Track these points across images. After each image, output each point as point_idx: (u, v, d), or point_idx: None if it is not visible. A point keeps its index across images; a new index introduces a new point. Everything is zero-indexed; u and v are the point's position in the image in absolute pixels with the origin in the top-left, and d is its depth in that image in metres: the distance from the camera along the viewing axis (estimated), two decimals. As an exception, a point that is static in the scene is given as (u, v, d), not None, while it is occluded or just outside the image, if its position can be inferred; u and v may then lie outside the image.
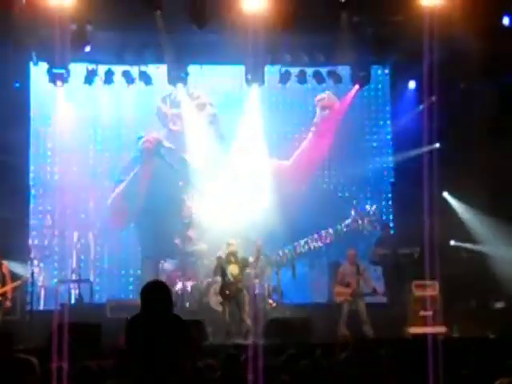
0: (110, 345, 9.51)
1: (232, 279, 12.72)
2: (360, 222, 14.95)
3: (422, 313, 12.88)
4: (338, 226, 15.10)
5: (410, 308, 13.15)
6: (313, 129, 15.99)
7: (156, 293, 6.02)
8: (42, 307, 14.11)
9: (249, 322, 12.49)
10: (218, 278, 13.00)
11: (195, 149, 15.66)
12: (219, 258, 13.27)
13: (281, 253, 14.67)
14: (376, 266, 14.62)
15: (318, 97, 15.86)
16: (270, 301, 13.70)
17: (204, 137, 15.65)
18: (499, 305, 13.54)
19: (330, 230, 15.08)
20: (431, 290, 13.04)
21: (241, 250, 13.24)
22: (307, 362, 6.67)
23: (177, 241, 15.10)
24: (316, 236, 15.09)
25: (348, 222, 14.97)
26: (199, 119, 15.82)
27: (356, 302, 13.04)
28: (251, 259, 13.07)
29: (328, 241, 15.04)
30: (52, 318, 10.76)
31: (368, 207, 15.22)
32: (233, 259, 12.94)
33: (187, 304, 13.90)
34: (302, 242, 15.04)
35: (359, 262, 13.43)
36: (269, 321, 11.95)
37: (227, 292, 12.66)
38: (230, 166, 15.39)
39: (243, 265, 12.92)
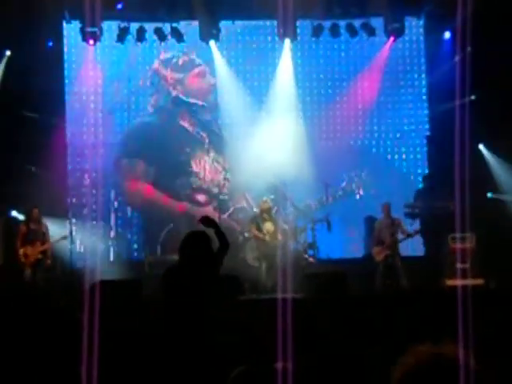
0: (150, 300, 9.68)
1: (268, 236, 12.80)
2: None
3: (458, 265, 12.86)
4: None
5: (446, 260, 13.14)
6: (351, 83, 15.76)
7: (191, 242, 6.14)
8: (80, 265, 14.33)
9: (274, 278, 12.61)
10: (254, 233, 13.09)
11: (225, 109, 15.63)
12: (254, 214, 13.36)
13: (313, 205, 14.57)
14: (413, 220, 14.58)
15: None
16: (306, 256, 13.75)
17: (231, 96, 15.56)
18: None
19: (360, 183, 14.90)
20: (468, 242, 13.01)
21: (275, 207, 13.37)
22: (342, 315, 6.74)
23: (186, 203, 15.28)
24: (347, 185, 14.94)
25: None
26: (199, 87, 15.73)
27: (393, 255, 13.04)
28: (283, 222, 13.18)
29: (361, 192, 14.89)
30: (91, 276, 11.01)
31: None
32: (267, 216, 13.01)
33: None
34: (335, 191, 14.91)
35: (393, 216, 13.38)
36: (304, 276, 12.02)
37: (263, 249, 12.77)
38: (261, 124, 15.28)
39: (278, 222, 13.00)
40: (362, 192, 14.73)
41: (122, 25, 14.78)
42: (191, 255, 6.17)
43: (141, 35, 14.85)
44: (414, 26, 15.86)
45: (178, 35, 14.91)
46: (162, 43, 15.10)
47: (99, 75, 15.22)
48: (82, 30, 14.50)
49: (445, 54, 15.27)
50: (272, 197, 13.65)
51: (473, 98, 13.51)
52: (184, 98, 15.70)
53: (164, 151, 15.18)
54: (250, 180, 14.49)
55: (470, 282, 12.03)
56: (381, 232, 13.23)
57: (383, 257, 13.04)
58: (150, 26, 14.89)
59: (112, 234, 14.52)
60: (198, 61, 15.77)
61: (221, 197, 15.02)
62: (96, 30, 14.41)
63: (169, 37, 14.93)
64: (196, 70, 15.78)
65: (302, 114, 15.55)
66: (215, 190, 15.40)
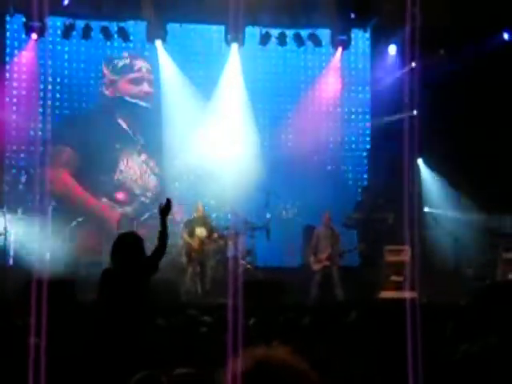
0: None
1: (198, 242, 12.77)
2: None
3: (393, 277, 13.01)
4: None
5: (381, 272, 13.28)
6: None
7: (124, 245, 6.07)
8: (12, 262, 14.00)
9: (208, 285, 12.61)
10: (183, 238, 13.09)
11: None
12: (188, 220, 13.34)
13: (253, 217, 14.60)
14: (350, 230, 14.71)
15: None
16: (243, 262, 13.75)
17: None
18: (470, 271, 13.69)
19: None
20: (403, 255, 13.16)
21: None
22: (277, 323, 6.73)
23: (104, 200, 15.17)
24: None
25: None
26: (131, 92, 15.65)
27: (331, 266, 13.10)
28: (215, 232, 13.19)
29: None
30: (24, 274, 10.77)
31: None
32: (200, 222, 12.99)
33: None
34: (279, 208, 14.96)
35: (334, 226, 13.46)
36: (241, 283, 12.00)
37: (193, 254, 12.74)
38: (204, 128, 15.25)
39: (211, 228, 12.99)
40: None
41: (68, 21, 14.58)
42: (124, 259, 6.09)
43: (86, 33, 14.68)
44: (361, 39, 16.05)
45: (124, 35, 14.79)
46: (108, 42, 14.94)
47: (38, 69, 14.94)
48: (26, 24, 14.24)
49: (389, 68, 15.49)
50: (212, 202, 13.60)
51: (414, 113, 13.77)
52: (127, 98, 15.57)
53: (95, 144, 14.92)
54: (183, 187, 14.48)
55: (404, 294, 12.16)
56: (319, 241, 13.27)
57: (321, 267, 13.08)
58: (96, 25, 14.73)
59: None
60: (138, 67, 15.64)
61: (142, 199, 14.96)
62: (40, 24, 14.18)
63: (115, 36, 14.79)
64: (131, 76, 15.67)
65: (247, 120, 15.52)
66: (137, 192, 15.31)
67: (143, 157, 15.57)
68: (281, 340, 5.88)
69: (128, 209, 15.25)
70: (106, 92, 15.62)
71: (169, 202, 6.56)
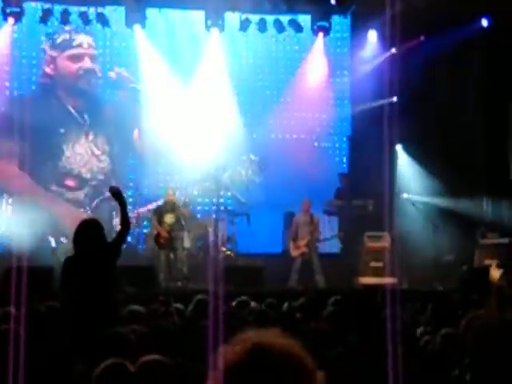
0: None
1: (168, 228, 12.73)
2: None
3: (372, 264, 13.07)
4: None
5: (361, 259, 13.34)
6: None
7: (85, 232, 6.05)
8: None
9: (185, 270, 12.60)
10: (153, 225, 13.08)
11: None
12: (157, 206, 13.30)
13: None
14: (331, 217, 14.74)
15: None
16: (224, 249, 13.74)
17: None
18: (449, 257, 13.77)
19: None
20: (383, 241, 13.23)
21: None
22: (257, 310, 6.74)
23: (53, 188, 14.97)
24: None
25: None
26: (72, 70, 15.26)
27: (310, 252, 13.13)
28: (186, 211, 13.13)
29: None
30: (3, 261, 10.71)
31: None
32: (169, 208, 12.92)
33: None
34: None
35: (313, 213, 13.47)
36: (221, 269, 12.01)
37: (161, 241, 12.69)
38: (186, 114, 15.15)
39: (182, 214, 12.95)
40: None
41: (45, 6, 14.42)
42: (86, 245, 6.07)
43: (65, 18, 14.51)
44: (340, 25, 16.01)
45: (103, 20, 14.66)
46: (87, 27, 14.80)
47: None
48: (3, 10, 14.09)
49: (369, 54, 15.49)
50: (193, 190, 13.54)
51: (394, 99, 13.80)
52: (62, 78, 15.20)
53: (38, 130, 14.11)
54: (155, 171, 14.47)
55: (383, 281, 12.23)
56: (298, 228, 13.31)
57: (299, 253, 13.12)
58: (74, 9, 14.59)
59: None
60: (79, 42, 15.22)
61: (93, 183, 14.86)
62: (18, 9, 14.03)
63: (94, 21, 14.66)
64: (71, 52, 15.25)
65: (229, 105, 15.43)
66: (87, 176, 15.10)
67: (90, 137, 15.16)
68: (259, 327, 5.89)
69: (80, 194, 14.97)
70: (47, 70, 15.15)
71: (115, 187, 6.56)
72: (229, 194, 14.42)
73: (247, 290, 9.72)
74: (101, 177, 15.04)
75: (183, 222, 12.90)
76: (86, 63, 15.23)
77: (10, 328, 4.73)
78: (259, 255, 14.21)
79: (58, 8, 14.50)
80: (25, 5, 14.24)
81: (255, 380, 1.77)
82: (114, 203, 13.89)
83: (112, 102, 15.43)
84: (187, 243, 13.05)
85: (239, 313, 6.46)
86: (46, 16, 14.46)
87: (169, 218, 12.76)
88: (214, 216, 14.00)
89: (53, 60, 15.17)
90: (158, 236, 12.69)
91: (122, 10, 14.75)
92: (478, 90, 14.87)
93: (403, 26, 12.16)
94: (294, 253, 13.18)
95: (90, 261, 6.01)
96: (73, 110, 15.14)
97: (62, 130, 15.01)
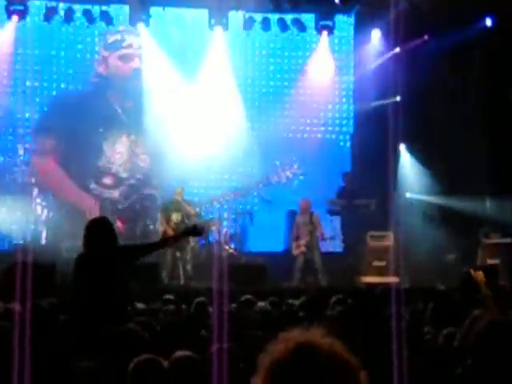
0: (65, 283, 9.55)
1: (174, 226, 12.75)
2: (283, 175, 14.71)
3: (375, 263, 13.08)
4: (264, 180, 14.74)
5: (364, 258, 13.35)
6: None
7: (97, 230, 6.06)
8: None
9: (189, 268, 12.62)
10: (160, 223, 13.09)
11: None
12: (163, 204, 13.33)
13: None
14: (333, 216, 14.75)
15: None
16: (227, 247, 13.77)
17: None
18: (451, 257, 13.79)
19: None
20: (386, 240, 13.24)
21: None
22: (261, 307, 6.77)
23: (92, 186, 15.07)
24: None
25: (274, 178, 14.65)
26: (123, 70, 15.44)
27: (311, 251, 13.15)
28: (192, 211, 13.13)
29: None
30: (4, 258, 10.74)
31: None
32: (176, 207, 12.94)
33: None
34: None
35: (313, 212, 13.44)
36: (225, 267, 12.03)
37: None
38: (190, 110, 15.18)
39: (187, 213, 12.95)
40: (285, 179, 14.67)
41: (50, 4, 14.45)
42: (94, 243, 6.09)
43: (69, 16, 14.54)
44: (344, 24, 16.00)
45: (107, 18, 14.69)
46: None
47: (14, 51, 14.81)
48: (8, 8, 14.12)
49: (373, 53, 15.49)
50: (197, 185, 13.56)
51: (398, 98, 13.82)
52: (113, 78, 15.38)
53: (81, 128, 14.63)
54: (171, 168, 14.45)
55: (385, 280, 12.24)
56: (299, 228, 13.35)
57: (299, 252, 13.16)
58: (79, 8, 14.62)
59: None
60: (129, 42, 15.44)
61: (131, 181, 14.90)
62: (22, 8, 14.06)
63: (98, 19, 14.70)
64: (122, 52, 15.45)
65: (233, 104, 15.44)
66: (124, 175, 15.18)
67: (132, 137, 15.33)
68: (263, 325, 5.92)
69: (115, 192, 15.02)
70: (100, 69, 15.32)
71: (201, 231, 6.59)
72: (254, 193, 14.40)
73: (250, 288, 9.76)
74: (139, 176, 15.06)
75: (187, 221, 12.89)
76: (136, 63, 15.40)
77: (13, 324, 4.76)
78: (262, 254, 14.24)
79: (62, 6, 14.53)
80: (29, 3, 14.25)
81: (301, 379, 1.79)
82: (147, 204, 14.01)
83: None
84: (192, 242, 13.06)
85: (243, 311, 6.49)
86: (49, 14, 14.49)
87: (175, 217, 12.79)
88: (217, 214, 14.04)
89: (104, 60, 15.35)
90: (164, 234, 12.70)
91: (125, 8, 14.78)
92: (481, 89, 14.87)
93: (407, 25, 12.24)
94: (295, 252, 13.22)
95: (99, 259, 6.02)
96: (119, 110, 15.23)
97: (101, 130, 15.09)
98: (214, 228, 13.85)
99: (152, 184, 14.98)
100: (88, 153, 15.05)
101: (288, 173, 14.36)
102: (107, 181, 15.14)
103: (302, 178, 14.65)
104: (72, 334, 5.42)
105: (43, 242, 13.76)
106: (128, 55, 15.45)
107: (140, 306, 6.91)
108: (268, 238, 15.03)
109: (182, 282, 12.46)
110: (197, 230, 6.48)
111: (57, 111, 14.94)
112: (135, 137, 15.36)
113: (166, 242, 6.63)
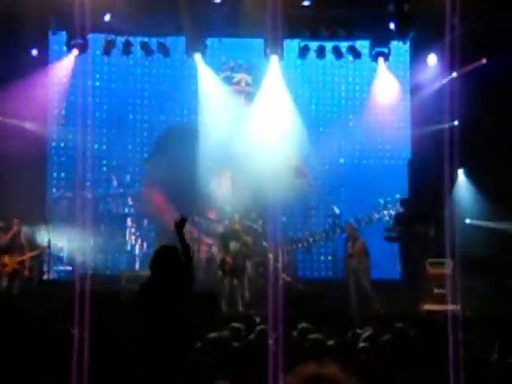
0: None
1: (232, 254, 12.79)
2: (386, 213, 14.61)
3: (435, 290, 12.88)
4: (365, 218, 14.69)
5: (424, 285, 13.16)
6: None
7: (161, 259, 6.09)
8: (58, 276, 14.23)
9: (247, 296, 12.61)
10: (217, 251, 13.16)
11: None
12: (222, 233, 13.40)
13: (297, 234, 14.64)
14: (391, 243, 14.60)
15: None
16: (284, 275, 13.73)
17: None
18: (513, 284, 13.51)
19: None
20: (445, 267, 13.03)
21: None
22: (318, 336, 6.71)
23: (196, 219, 15.17)
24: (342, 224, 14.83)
25: (375, 216, 14.57)
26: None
27: (358, 278, 13.00)
28: (249, 239, 13.12)
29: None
30: (67, 287, 10.90)
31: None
32: (234, 235, 13.00)
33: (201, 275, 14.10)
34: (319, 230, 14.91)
35: (357, 238, 13.27)
36: (281, 295, 11.98)
37: (226, 267, 12.75)
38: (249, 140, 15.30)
39: (244, 241, 12.98)
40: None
41: (109, 37, 14.79)
42: (161, 271, 6.11)
43: (127, 48, 14.85)
44: (399, 49, 15.94)
45: (164, 50, 14.95)
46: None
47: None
48: (68, 42, 14.50)
49: (429, 78, 15.37)
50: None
51: (456, 123, 13.65)
52: None
53: (187, 161, 14.99)
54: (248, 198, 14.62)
55: (446, 307, 12.03)
56: (348, 251, 13.22)
57: (349, 275, 13.04)
58: (136, 40, 14.93)
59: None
60: (238, 79, 15.84)
61: (234, 216, 14.94)
62: (82, 41, 14.42)
63: (155, 51, 14.97)
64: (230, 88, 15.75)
65: (292, 131, 15.47)
66: (228, 208, 15.17)
67: (234, 171, 15.55)
68: (318, 356, 5.88)
69: (219, 226, 15.06)
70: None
71: (183, 218, 6.55)
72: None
73: (307, 316, 9.68)
74: (241, 209, 15.05)
75: (245, 250, 12.95)
76: (241, 100, 15.65)
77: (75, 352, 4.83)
78: (319, 280, 14.18)
79: (120, 39, 14.85)
80: (89, 36, 14.59)
81: None
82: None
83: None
84: (249, 270, 13.10)
85: (299, 341, 6.46)
86: (108, 47, 14.82)
87: (233, 245, 12.86)
88: (273, 242, 14.04)
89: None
90: (223, 262, 12.76)
91: (182, 39, 15.05)
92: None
93: (464, 49, 12.11)
94: (347, 276, 13.10)
95: (164, 288, 6.03)
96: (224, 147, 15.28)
97: (210, 163, 15.25)
98: (270, 255, 13.84)
99: (251, 217, 15.05)
100: (194, 186, 15.22)
101: (391, 211, 14.32)
102: (211, 215, 15.25)
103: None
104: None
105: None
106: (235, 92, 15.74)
107: (212, 335, 6.89)
108: (325, 265, 14.99)
109: (240, 309, 12.47)
110: (177, 224, 6.42)
111: (162, 144, 15.17)
112: (237, 170, 15.50)
113: (184, 247, 6.52)
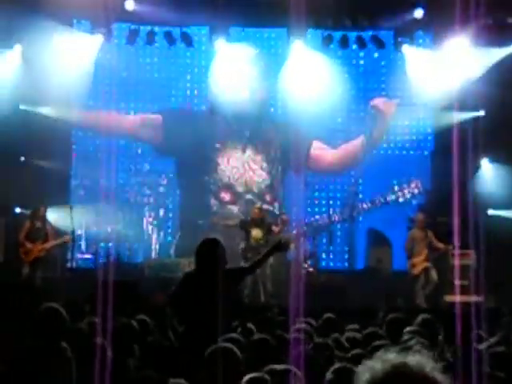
0: (147, 302, 9.69)
1: (254, 243, 12.73)
2: (401, 194, 14.51)
3: (457, 282, 12.82)
4: (381, 198, 14.64)
5: (446, 277, 13.11)
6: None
7: (208, 250, 6.14)
8: (80, 264, 14.31)
9: (269, 285, 12.59)
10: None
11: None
12: (242, 220, 13.34)
13: (317, 219, 14.60)
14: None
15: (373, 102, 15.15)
16: (306, 266, 13.71)
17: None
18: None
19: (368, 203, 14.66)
20: (468, 259, 12.97)
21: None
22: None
23: (211, 202, 15.21)
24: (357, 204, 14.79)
25: (391, 197, 14.50)
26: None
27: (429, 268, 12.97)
28: (275, 228, 13.08)
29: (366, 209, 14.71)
30: (90, 276, 11.00)
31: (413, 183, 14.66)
32: (257, 223, 12.92)
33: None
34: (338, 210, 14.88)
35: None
36: (303, 286, 11.96)
37: (249, 255, 12.67)
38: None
39: (267, 229, 12.90)
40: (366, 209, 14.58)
41: (133, 27, 14.85)
42: (201, 265, 6.18)
43: (150, 38, 14.89)
44: (424, 40, 15.77)
45: (187, 40, 14.97)
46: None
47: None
48: (92, 30, 14.57)
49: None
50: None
51: (482, 113, 13.55)
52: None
53: (196, 144, 14.94)
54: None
55: (469, 299, 11.97)
56: (415, 242, 13.17)
57: (421, 270, 12.98)
58: (159, 30, 14.96)
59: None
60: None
61: (247, 196, 14.99)
62: (106, 30, 14.48)
63: (178, 41, 14.99)
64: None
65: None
66: (241, 190, 15.25)
67: (248, 152, 15.44)
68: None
69: (234, 208, 15.14)
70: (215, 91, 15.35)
71: (287, 244, 6.65)
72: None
73: (330, 307, 9.67)
74: (256, 190, 15.22)
75: (268, 237, 12.83)
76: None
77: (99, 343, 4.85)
78: (341, 271, 14.16)
79: (143, 28, 14.89)
80: (113, 26, 14.63)
81: None
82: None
83: (274, 121, 15.85)
84: (271, 259, 13.02)
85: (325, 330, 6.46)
86: (132, 36, 14.88)
87: (255, 233, 12.78)
88: (295, 231, 14.00)
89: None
90: (244, 250, 12.72)
91: (205, 29, 15.05)
92: None
93: (490, 38, 12.03)
94: (416, 270, 13.03)
95: (206, 280, 6.08)
96: (236, 127, 15.27)
97: (218, 145, 15.28)
98: (292, 245, 13.80)
99: (266, 199, 15.07)
100: (204, 168, 15.27)
101: (406, 191, 14.24)
102: (226, 196, 15.28)
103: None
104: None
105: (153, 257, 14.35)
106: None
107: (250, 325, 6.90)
108: (347, 256, 14.94)
109: (262, 299, 12.46)
110: (282, 245, 6.51)
111: (173, 130, 15.20)
112: (252, 151, 15.48)
113: (259, 263, 6.69)
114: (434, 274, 12.89)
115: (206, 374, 4.09)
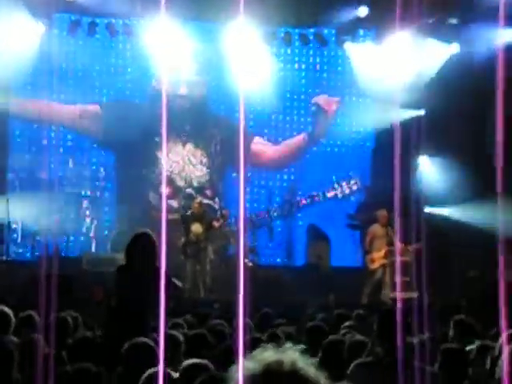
0: (85, 296, 9.58)
1: (194, 238, 12.65)
2: (340, 190, 14.63)
3: (397, 278, 12.96)
4: (320, 194, 14.75)
5: (386, 273, 13.22)
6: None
7: (139, 245, 6.06)
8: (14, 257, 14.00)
9: (208, 281, 12.55)
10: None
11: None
12: (183, 215, 13.24)
13: (257, 214, 14.61)
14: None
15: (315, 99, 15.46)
16: (245, 261, 13.69)
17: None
18: (473, 273, 13.64)
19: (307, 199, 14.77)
20: (405, 255, 13.12)
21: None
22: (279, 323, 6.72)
23: (150, 197, 15.10)
24: (296, 199, 14.89)
25: (330, 193, 14.61)
26: None
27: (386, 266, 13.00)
28: (216, 223, 13.03)
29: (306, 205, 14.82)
30: (27, 269, 10.80)
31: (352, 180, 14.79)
32: (197, 218, 12.85)
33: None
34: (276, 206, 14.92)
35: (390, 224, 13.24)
36: (244, 281, 11.96)
37: (188, 251, 12.60)
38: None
39: (208, 224, 12.84)
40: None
41: (74, 18, 14.60)
42: (135, 258, 6.11)
43: (92, 29, 14.66)
44: (365, 38, 15.88)
45: (128, 31, 14.80)
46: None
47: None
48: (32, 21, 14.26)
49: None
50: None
51: (422, 112, 13.72)
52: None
53: (136, 138, 14.75)
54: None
55: (404, 295, 12.13)
56: (375, 238, 13.20)
57: (379, 265, 13.04)
58: (100, 21, 14.74)
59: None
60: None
61: (187, 191, 14.89)
62: (47, 21, 14.19)
63: (120, 32, 14.80)
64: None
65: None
66: (181, 184, 15.18)
67: (189, 146, 15.40)
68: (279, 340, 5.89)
69: (173, 202, 15.05)
70: (155, 84, 15.19)
71: None
72: None
73: (268, 302, 9.68)
74: (195, 184, 15.13)
75: (208, 233, 12.78)
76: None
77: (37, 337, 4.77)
78: (281, 266, 14.20)
79: (85, 20, 14.65)
80: (54, 16, 14.34)
81: None
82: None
83: (215, 115, 15.68)
84: (211, 254, 12.99)
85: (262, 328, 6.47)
86: (73, 27, 14.62)
87: (195, 228, 12.68)
88: (235, 227, 13.97)
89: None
90: (184, 245, 12.62)
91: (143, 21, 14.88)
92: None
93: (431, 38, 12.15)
94: (373, 265, 13.09)
95: (137, 274, 6.02)
96: (176, 121, 14.80)
97: (157, 139, 15.04)
98: (232, 240, 13.79)
99: (206, 194, 14.99)
100: (144, 163, 15.12)
101: (345, 188, 14.30)
102: (165, 190, 15.09)
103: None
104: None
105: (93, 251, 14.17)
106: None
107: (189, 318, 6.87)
108: (287, 252, 14.99)
109: (202, 294, 12.41)
110: None
111: (112, 122, 14.98)
112: (192, 146, 15.40)
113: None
114: (388, 275, 12.95)
115: (124, 367, 4.09)
